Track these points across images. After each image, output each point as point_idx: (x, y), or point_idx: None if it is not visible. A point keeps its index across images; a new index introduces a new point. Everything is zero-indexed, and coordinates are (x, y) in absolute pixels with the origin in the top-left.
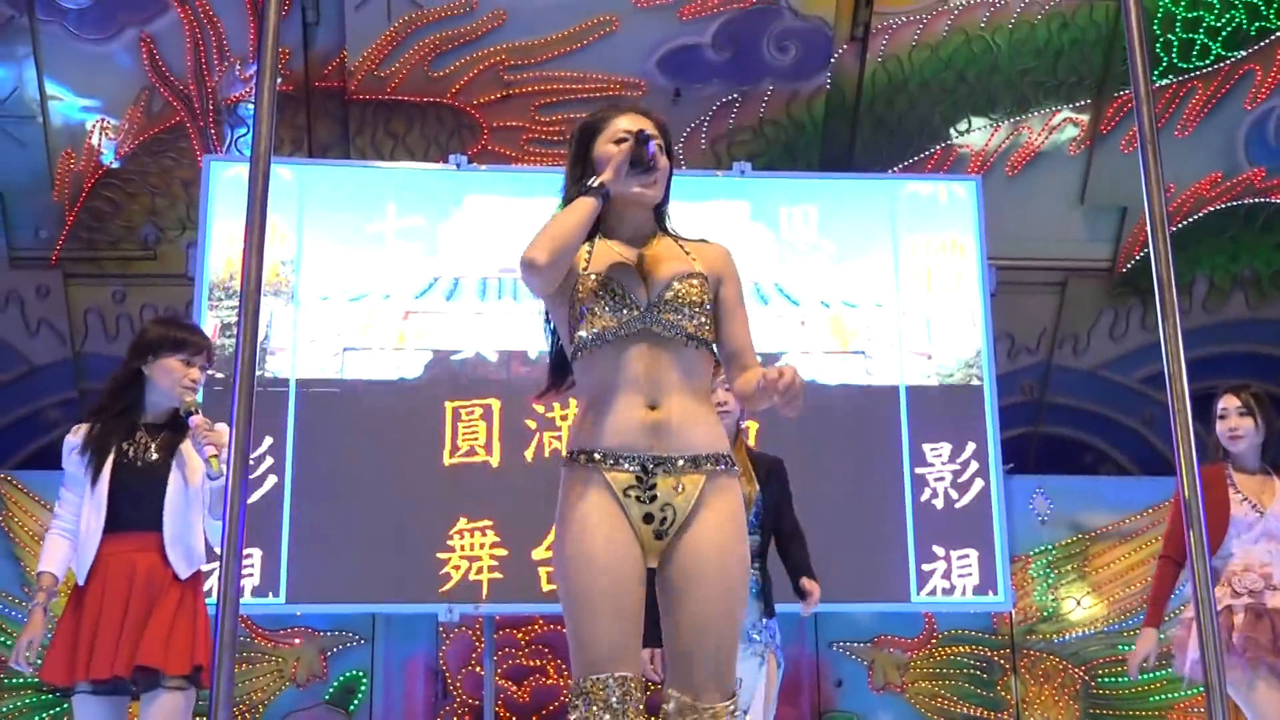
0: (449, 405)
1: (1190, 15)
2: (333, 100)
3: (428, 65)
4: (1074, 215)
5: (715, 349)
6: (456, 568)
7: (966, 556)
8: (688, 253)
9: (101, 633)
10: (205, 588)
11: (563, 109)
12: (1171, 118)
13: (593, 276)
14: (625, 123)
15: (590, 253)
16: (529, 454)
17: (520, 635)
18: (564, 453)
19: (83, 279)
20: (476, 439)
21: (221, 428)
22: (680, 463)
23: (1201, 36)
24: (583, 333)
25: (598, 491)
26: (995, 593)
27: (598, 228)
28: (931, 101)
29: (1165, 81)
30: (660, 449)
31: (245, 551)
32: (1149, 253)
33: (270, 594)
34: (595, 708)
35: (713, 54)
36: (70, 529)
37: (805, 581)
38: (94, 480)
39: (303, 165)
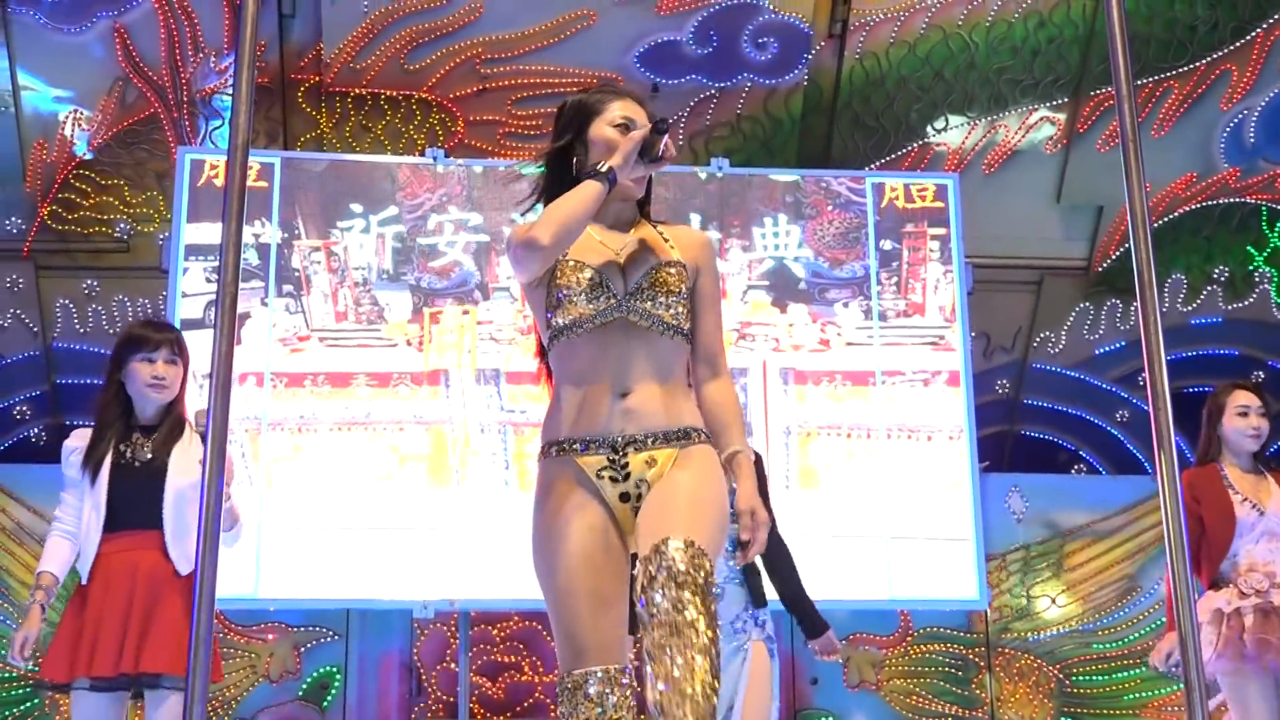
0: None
1: (1167, 14)
2: (309, 92)
3: (404, 58)
4: (1050, 214)
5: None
6: None
7: (942, 554)
8: (667, 240)
9: (104, 630)
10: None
11: (539, 103)
12: (1147, 117)
13: (572, 263)
14: (622, 108)
15: None
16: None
17: (496, 631)
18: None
19: (55, 271)
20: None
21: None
22: (651, 440)
23: (1178, 36)
24: (559, 320)
25: (571, 481)
26: (971, 591)
27: None
28: (909, 99)
29: (1142, 81)
30: (631, 429)
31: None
32: (1125, 252)
33: (243, 588)
34: (581, 701)
35: (691, 49)
36: (70, 530)
37: (815, 645)
38: (93, 482)
39: (278, 157)
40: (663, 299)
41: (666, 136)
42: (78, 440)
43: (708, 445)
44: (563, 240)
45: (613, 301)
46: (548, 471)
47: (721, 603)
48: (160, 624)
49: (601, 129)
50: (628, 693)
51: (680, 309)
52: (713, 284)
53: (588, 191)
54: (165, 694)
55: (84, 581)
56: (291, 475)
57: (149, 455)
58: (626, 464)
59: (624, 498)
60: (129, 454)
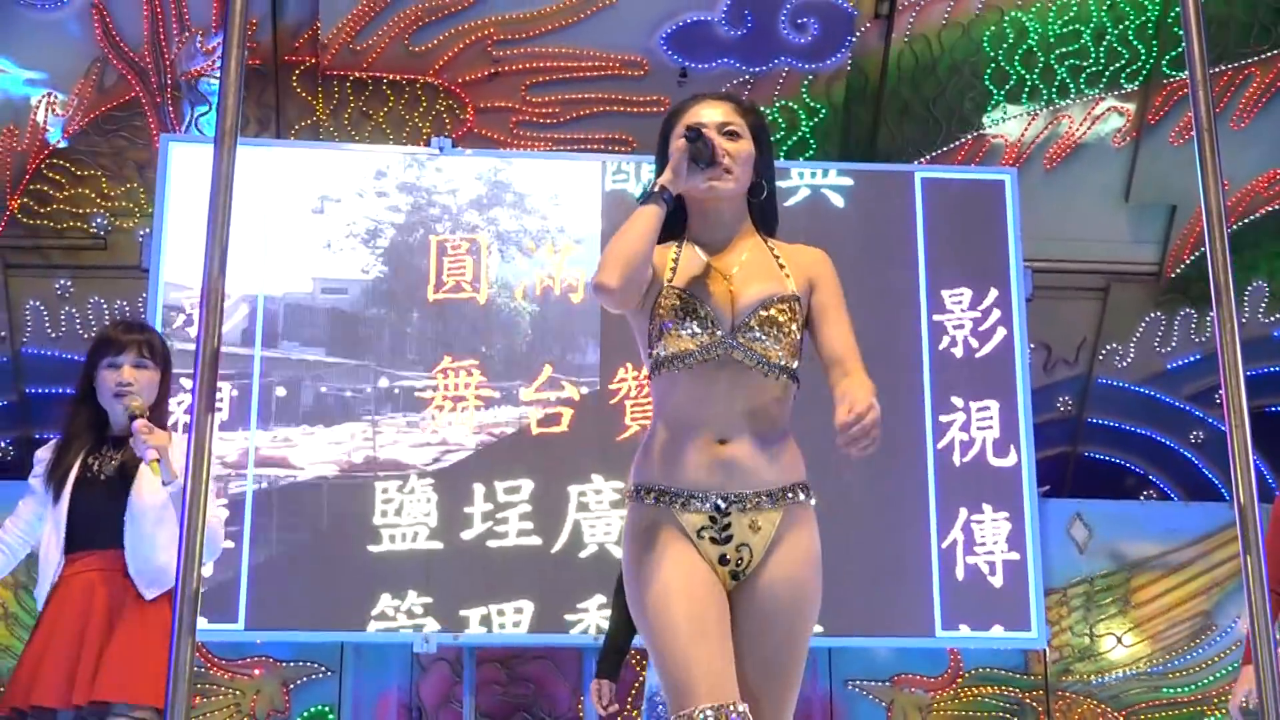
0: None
1: None
2: (304, 76)
3: (408, 39)
4: (1118, 214)
5: (804, 371)
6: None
7: (997, 587)
8: (781, 265)
9: (50, 656)
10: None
11: (556, 89)
12: (1226, 108)
13: (676, 292)
14: (696, 112)
15: (676, 259)
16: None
17: (504, 669)
18: (628, 485)
19: (25, 270)
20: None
21: (161, 431)
22: (756, 500)
23: (1260, 19)
24: (661, 351)
25: (669, 531)
26: (1028, 628)
27: (682, 229)
28: (962, 86)
29: (1220, 68)
30: (734, 486)
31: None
32: (1200, 256)
33: (228, 619)
34: None
35: (723, 30)
36: (9, 542)
37: None
38: (55, 499)
39: (270, 147)
40: (770, 339)
41: (713, 137)
42: (48, 451)
43: (808, 506)
44: (633, 276)
45: (716, 336)
46: (644, 515)
47: None
48: (115, 649)
49: (675, 142)
50: None
51: (788, 348)
52: (832, 294)
53: (643, 218)
54: None
55: (39, 607)
56: (279, 490)
57: (115, 469)
58: (729, 525)
59: (723, 560)
60: (96, 467)
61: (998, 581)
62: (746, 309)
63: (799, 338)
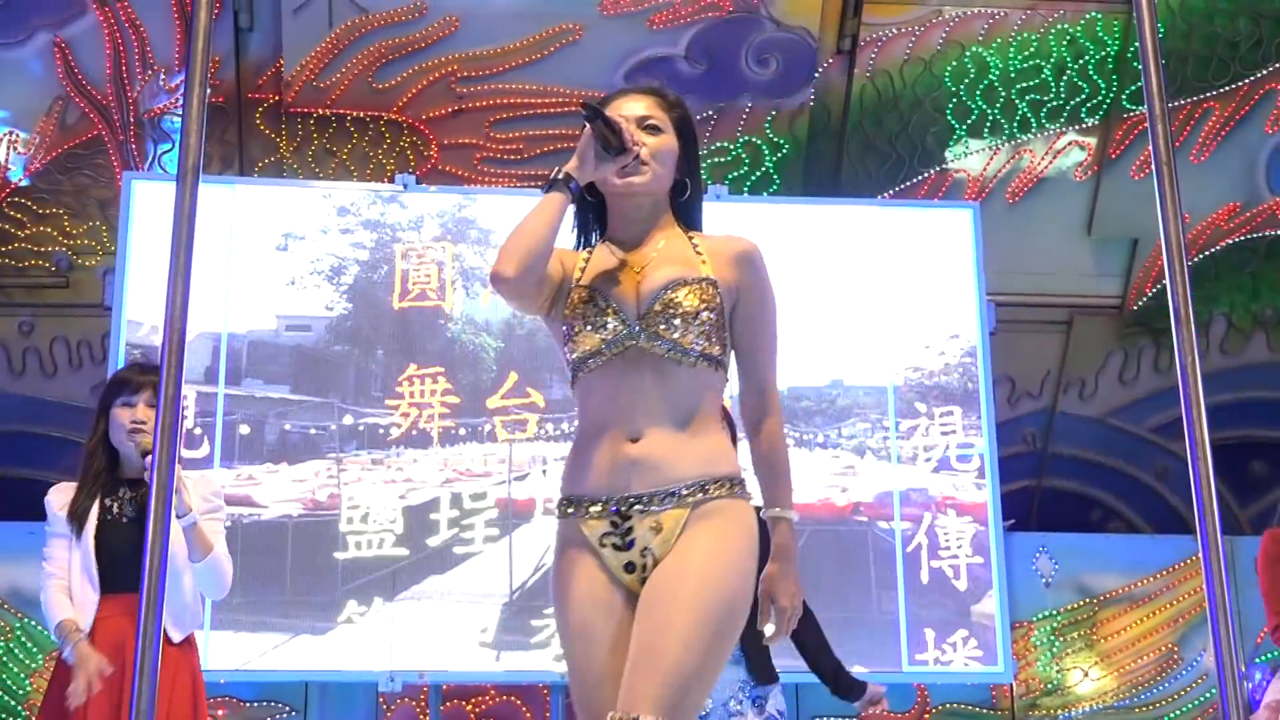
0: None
1: (1206, 30)
2: (267, 113)
3: (372, 76)
4: (1080, 247)
5: (731, 361)
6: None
7: (963, 621)
8: (699, 253)
9: (96, 709)
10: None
11: (520, 125)
12: (1186, 141)
13: (582, 290)
14: (616, 106)
15: (588, 259)
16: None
17: (470, 707)
18: None
19: None
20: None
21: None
22: (658, 498)
23: (1219, 53)
24: (569, 354)
25: (577, 548)
26: (994, 662)
27: (600, 231)
28: (925, 121)
29: (1179, 102)
30: (637, 487)
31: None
32: (1162, 289)
33: None
34: None
35: (686, 66)
36: (65, 580)
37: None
38: (78, 537)
39: (233, 184)
40: (679, 323)
41: (620, 121)
42: (60, 494)
43: (731, 500)
44: (531, 265)
45: (622, 329)
46: (559, 534)
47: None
48: (160, 705)
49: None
50: None
51: (705, 332)
52: (758, 302)
53: (545, 206)
54: None
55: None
56: (243, 528)
57: (135, 510)
58: (630, 529)
59: (629, 568)
60: (115, 509)
61: (964, 616)
62: (650, 295)
63: (721, 321)
